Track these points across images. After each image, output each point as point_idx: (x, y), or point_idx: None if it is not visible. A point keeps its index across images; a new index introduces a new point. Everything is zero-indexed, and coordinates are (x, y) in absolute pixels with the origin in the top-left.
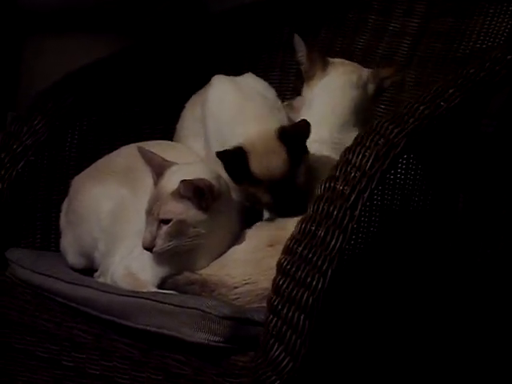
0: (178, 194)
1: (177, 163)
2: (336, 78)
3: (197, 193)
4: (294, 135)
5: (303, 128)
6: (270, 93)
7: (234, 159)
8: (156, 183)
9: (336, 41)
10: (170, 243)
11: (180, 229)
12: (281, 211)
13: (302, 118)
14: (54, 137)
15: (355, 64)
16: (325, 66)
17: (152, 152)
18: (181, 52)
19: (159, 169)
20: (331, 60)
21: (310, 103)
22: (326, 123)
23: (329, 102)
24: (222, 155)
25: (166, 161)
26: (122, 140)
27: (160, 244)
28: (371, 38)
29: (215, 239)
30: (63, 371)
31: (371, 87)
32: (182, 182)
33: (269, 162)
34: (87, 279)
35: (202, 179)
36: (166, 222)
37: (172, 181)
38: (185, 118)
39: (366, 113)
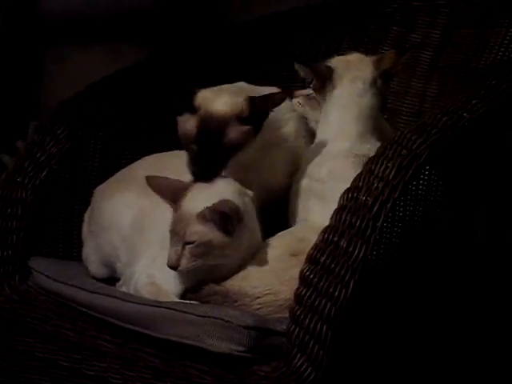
0: (203, 218)
1: (194, 183)
2: (344, 91)
3: (222, 217)
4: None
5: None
6: None
7: None
8: (175, 206)
9: (358, 51)
10: (195, 263)
11: (205, 250)
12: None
13: (319, 130)
14: (76, 146)
15: (356, 56)
16: (330, 77)
17: (161, 178)
18: (202, 62)
19: (174, 194)
20: (333, 66)
21: (325, 116)
22: (345, 135)
23: (343, 116)
24: None
25: (181, 181)
26: (144, 150)
27: (185, 263)
28: (393, 49)
29: (239, 256)
30: (85, 380)
31: (379, 82)
32: (208, 208)
33: (221, 95)
34: (110, 288)
35: (227, 202)
36: (190, 242)
37: (196, 202)
38: None
39: (380, 110)
